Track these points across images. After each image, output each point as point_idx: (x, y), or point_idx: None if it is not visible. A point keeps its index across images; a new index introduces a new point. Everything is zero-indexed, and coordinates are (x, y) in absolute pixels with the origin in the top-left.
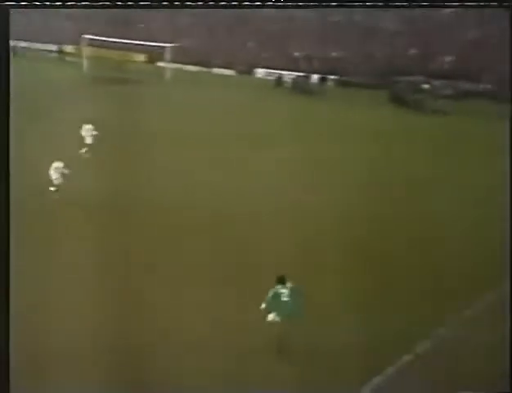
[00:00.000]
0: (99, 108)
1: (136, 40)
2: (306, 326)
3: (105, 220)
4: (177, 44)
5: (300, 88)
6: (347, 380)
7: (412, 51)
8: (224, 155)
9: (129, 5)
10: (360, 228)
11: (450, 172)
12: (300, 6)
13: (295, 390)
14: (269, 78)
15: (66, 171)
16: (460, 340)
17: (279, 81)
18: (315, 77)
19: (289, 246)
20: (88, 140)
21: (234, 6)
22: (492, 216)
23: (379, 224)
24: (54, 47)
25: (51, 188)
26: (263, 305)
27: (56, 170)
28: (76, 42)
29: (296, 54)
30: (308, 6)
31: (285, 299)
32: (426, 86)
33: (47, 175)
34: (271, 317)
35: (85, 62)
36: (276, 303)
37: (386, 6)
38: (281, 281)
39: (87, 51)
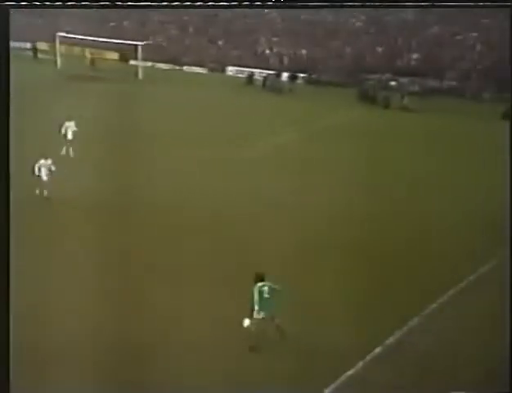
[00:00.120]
0: (76, 106)
1: (108, 38)
2: (294, 324)
3: (104, 220)
4: (148, 42)
5: (271, 85)
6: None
7: (380, 48)
8: (201, 154)
9: (129, 5)
10: (337, 226)
11: (420, 168)
12: (300, 7)
13: (293, 388)
14: (240, 76)
15: (54, 168)
16: (459, 340)
17: (250, 79)
18: (285, 75)
19: (281, 245)
20: (70, 137)
21: (234, 6)
22: (465, 212)
23: (354, 222)
24: (28, 45)
25: (37, 186)
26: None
27: (43, 167)
28: (49, 40)
29: (267, 52)
30: (308, 6)
31: (266, 296)
32: (393, 83)
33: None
34: (255, 314)
35: (59, 60)
36: (259, 300)
37: (385, 6)
38: (261, 278)
39: (60, 49)
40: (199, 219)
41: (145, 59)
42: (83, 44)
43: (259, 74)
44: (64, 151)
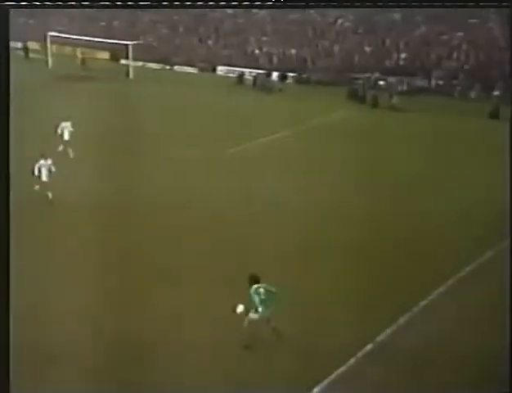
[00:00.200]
0: (68, 106)
1: (99, 38)
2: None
3: (101, 219)
4: (139, 42)
5: (261, 85)
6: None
7: (368, 48)
8: (190, 153)
9: (129, 5)
10: (329, 225)
11: (409, 166)
12: (300, 6)
13: (285, 385)
14: (230, 75)
15: (54, 169)
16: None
17: (240, 79)
18: (275, 74)
19: (274, 245)
20: (66, 137)
21: (235, 6)
22: (453, 208)
23: (346, 220)
24: (19, 45)
25: (37, 186)
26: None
27: (43, 167)
28: (40, 39)
29: (257, 52)
30: (308, 6)
31: (263, 297)
32: (382, 83)
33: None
34: (251, 315)
35: (50, 60)
36: (255, 302)
37: (386, 6)
38: (256, 280)
39: (52, 48)
40: (193, 218)
41: (135, 58)
42: (74, 44)
43: (249, 73)
44: (61, 151)
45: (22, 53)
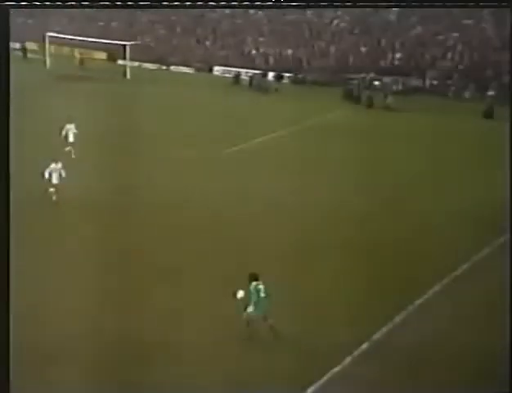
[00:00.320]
0: (67, 106)
1: (97, 38)
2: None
3: (100, 219)
4: (136, 42)
5: (257, 85)
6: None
7: (364, 49)
8: (187, 153)
9: (129, 5)
10: (325, 224)
11: (404, 166)
12: (300, 6)
13: (282, 384)
14: (227, 75)
15: (64, 173)
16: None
17: (237, 79)
18: (271, 75)
19: (270, 244)
20: (71, 139)
21: (235, 6)
22: (448, 206)
23: (342, 219)
24: (17, 45)
25: (51, 189)
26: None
27: (54, 171)
28: (38, 39)
29: (253, 52)
30: (308, 6)
31: (263, 295)
32: (377, 83)
33: (38, 175)
34: (249, 310)
35: (48, 60)
36: (254, 299)
37: (388, 6)
38: (255, 278)
39: (49, 48)
40: (191, 218)
41: (132, 59)
42: (72, 44)
43: (246, 73)
44: (65, 153)
45: (20, 54)
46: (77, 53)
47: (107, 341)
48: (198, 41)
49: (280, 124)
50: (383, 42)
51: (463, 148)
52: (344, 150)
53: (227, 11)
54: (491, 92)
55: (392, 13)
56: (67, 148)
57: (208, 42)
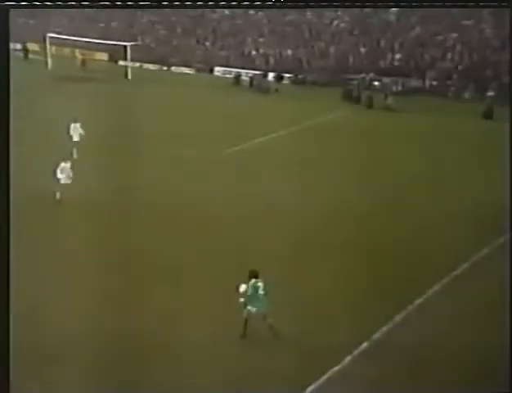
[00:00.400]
0: (69, 107)
1: (98, 39)
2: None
3: (101, 219)
4: (137, 43)
5: (258, 86)
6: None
7: (363, 49)
8: (188, 153)
9: (129, 5)
10: (325, 224)
11: (403, 166)
12: (300, 6)
13: (281, 383)
14: (227, 76)
15: (71, 174)
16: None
17: (237, 79)
18: (271, 75)
19: (271, 244)
20: (76, 139)
21: (235, 6)
22: (448, 206)
23: (342, 219)
24: (18, 46)
25: (57, 189)
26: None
27: (64, 170)
28: (39, 40)
29: (253, 53)
30: (308, 6)
31: (262, 292)
32: (377, 83)
33: (41, 176)
34: (249, 308)
35: (49, 61)
36: (253, 296)
37: (388, 6)
38: (255, 275)
39: (51, 49)
40: (191, 218)
41: (133, 59)
42: (73, 45)
43: (246, 74)
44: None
45: (21, 54)
46: (78, 54)
47: (107, 340)
48: (198, 41)
49: (280, 124)
50: (382, 42)
51: (463, 148)
52: (344, 150)
53: (227, 11)
54: (490, 93)
55: (392, 14)
56: (73, 148)
57: (208, 43)
